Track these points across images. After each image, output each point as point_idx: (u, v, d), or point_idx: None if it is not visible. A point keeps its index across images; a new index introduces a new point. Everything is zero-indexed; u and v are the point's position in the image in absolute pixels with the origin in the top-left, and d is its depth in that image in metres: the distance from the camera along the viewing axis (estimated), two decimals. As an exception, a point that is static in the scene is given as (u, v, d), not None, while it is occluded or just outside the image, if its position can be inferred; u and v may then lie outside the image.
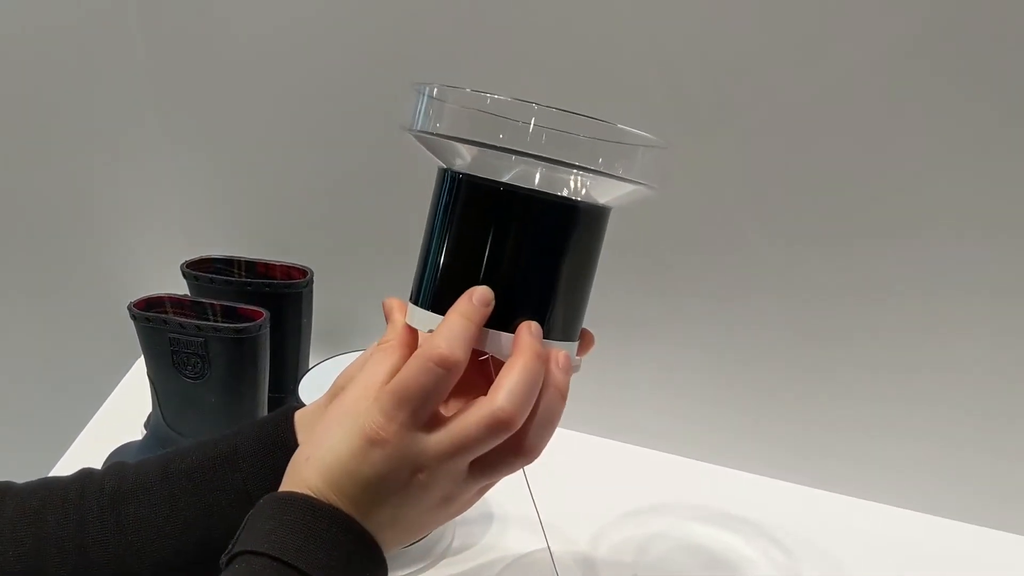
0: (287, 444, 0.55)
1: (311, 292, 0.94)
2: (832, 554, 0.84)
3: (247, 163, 0.97)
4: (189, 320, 0.84)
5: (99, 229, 1.07)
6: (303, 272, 0.93)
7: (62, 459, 0.98)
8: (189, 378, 0.85)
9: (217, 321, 0.85)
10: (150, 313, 0.85)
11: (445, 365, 0.47)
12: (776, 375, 0.88)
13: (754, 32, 0.73)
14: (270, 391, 0.89)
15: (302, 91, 0.88)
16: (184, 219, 1.03)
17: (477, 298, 0.49)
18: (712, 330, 0.88)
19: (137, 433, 0.96)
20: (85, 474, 0.57)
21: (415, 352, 0.48)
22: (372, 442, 0.48)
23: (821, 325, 0.83)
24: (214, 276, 0.91)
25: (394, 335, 0.52)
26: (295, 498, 0.48)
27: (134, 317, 0.85)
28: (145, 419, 0.95)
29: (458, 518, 0.86)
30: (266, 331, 0.86)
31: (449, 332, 0.48)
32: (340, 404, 0.50)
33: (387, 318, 0.53)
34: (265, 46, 0.87)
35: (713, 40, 0.74)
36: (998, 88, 0.69)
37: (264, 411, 0.89)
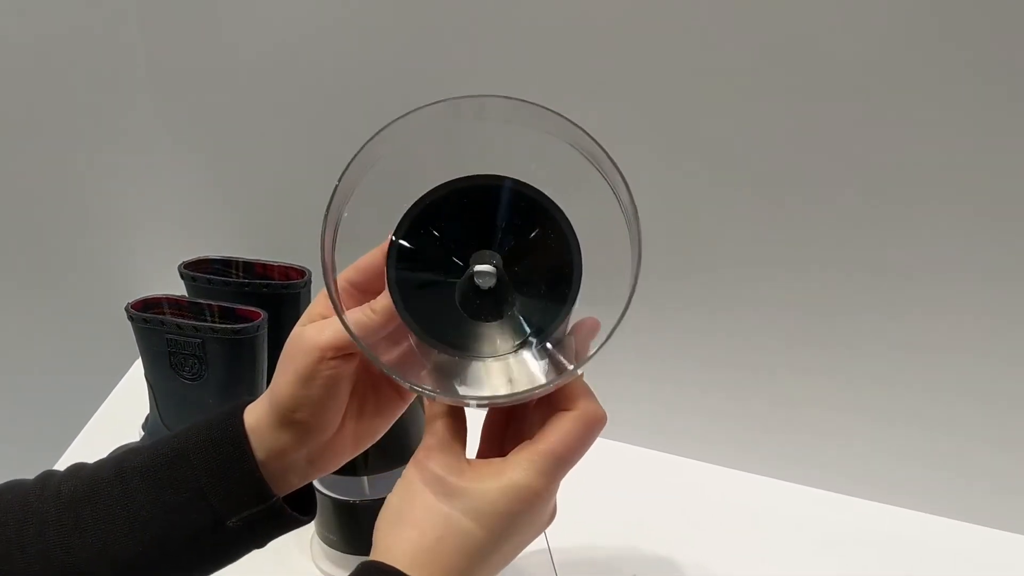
0: (237, 439, 0.55)
1: (309, 292, 0.93)
2: (833, 553, 0.84)
3: (245, 164, 0.96)
4: (186, 321, 0.84)
5: (97, 230, 1.07)
6: (301, 272, 0.92)
7: (59, 461, 0.97)
8: (187, 379, 0.85)
9: (215, 322, 0.85)
10: (147, 314, 0.84)
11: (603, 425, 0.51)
12: (775, 374, 0.88)
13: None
14: (268, 392, 0.89)
15: (300, 90, 0.88)
16: (182, 220, 1.03)
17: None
18: (708, 327, 0.88)
19: (135, 435, 0.96)
20: (45, 476, 0.57)
21: (586, 418, 0.50)
22: (532, 506, 0.49)
23: (819, 328, 0.83)
24: (212, 277, 0.90)
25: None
26: None
27: (131, 318, 0.85)
28: (143, 420, 0.95)
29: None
30: (264, 332, 0.85)
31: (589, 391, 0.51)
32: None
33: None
34: (263, 48, 0.87)
35: (706, 31, 0.74)
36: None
37: (262, 412, 0.89)
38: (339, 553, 0.82)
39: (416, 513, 0.49)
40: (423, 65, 0.82)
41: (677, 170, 0.80)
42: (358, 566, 0.49)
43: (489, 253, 0.50)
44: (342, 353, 0.54)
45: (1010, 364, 0.79)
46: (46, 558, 0.53)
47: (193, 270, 0.91)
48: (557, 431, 0.50)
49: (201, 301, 0.86)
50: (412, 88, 0.83)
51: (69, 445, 1.00)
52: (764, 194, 0.78)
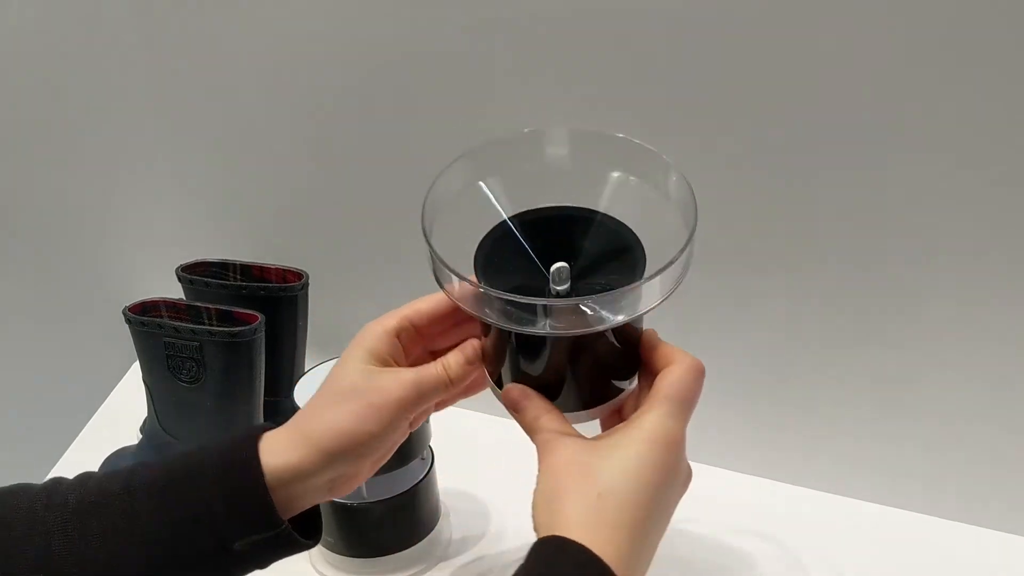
0: (249, 465, 0.54)
1: (307, 295, 0.93)
2: (832, 557, 0.84)
3: (242, 167, 0.96)
4: (184, 324, 0.83)
5: (94, 234, 1.07)
6: (298, 275, 0.92)
7: (57, 464, 0.97)
8: (184, 382, 0.85)
9: (212, 325, 0.84)
10: (145, 317, 0.84)
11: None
12: (773, 374, 0.88)
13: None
14: (266, 395, 0.89)
15: (298, 94, 0.88)
16: (179, 223, 1.03)
17: None
18: (707, 329, 0.88)
19: (133, 438, 0.96)
20: (54, 483, 0.56)
21: (691, 365, 0.54)
22: (671, 448, 0.51)
23: (818, 327, 0.83)
24: (209, 280, 0.90)
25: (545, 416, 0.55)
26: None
27: (129, 321, 0.85)
28: (141, 423, 0.95)
29: (454, 519, 0.86)
30: (261, 334, 0.85)
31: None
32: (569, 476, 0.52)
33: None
34: (262, 50, 0.86)
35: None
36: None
37: (260, 415, 0.89)
38: (338, 556, 0.82)
39: (569, 492, 0.50)
40: (424, 68, 0.82)
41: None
42: (533, 545, 0.49)
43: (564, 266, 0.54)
44: (422, 407, 0.56)
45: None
46: (49, 564, 0.53)
47: (190, 273, 0.91)
48: (671, 381, 0.53)
49: (199, 304, 0.86)
50: (411, 88, 0.83)
51: (67, 448, 1.00)
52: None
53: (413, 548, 0.82)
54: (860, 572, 0.83)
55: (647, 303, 0.52)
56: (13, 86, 0.98)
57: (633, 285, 0.51)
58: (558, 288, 0.54)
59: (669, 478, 0.52)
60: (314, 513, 0.59)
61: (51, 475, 0.94)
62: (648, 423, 0.52)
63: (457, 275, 0.52)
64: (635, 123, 0.66)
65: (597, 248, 0.56)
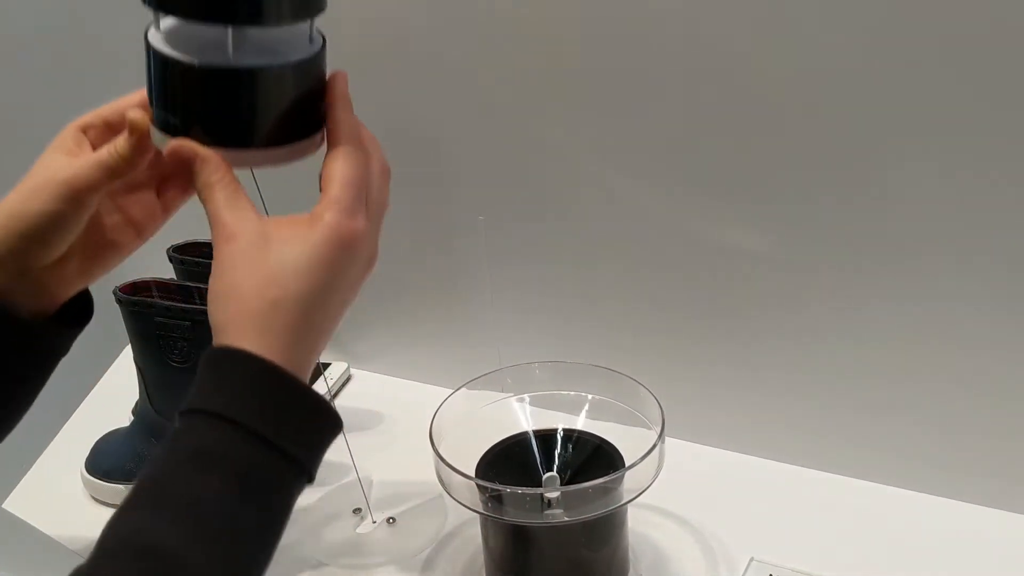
0: None
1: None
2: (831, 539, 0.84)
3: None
4: (176, 304, 0.83)
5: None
6: (291, 255, 0.91)
7: (49, 447, 0.97)
8: (176, 363, 0.84)
9: (204, 305, 0.84)
10: (136, 297, 0.84)
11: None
12: (772, 359, 0.87)
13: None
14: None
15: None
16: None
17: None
18: (694, 309, 0.87)
19: (125, 420, 0.95)
20: None
21: (349, 145, 0.54)
22: (346, 246, 0.52)
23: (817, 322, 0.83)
24: (200, 260, 0.90)
25: (222, 171, 0.54)
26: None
27: (120, 301, 0.84)
28: (132, 406, 0.94)
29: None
30: (254, 315, 0.84)
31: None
32: (258, 243, 0.52)
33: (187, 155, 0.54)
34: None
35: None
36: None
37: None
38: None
39: (245, 296, 0.51)
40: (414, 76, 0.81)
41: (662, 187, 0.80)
42: (203, 356, 0.52)
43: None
44: (86, 195, 0.57)
45: None
46: None
47: (182, 253, 0.90)
48: (336, 166, 0.53)
49: (190, 284, 0.85)
50: (411, 91, 0.82)
51: (59, 431, 0.99)
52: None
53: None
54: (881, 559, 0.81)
55: None
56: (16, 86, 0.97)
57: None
58: None
59: (346, 275, 0.53)
60: (82, 301, 0.63)
61: (42, 458, 0.95)
62: (325, 222, 0.52)
63: None
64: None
65: None
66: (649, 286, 0.88)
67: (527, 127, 0.85)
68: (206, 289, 0.84)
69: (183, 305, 0.83)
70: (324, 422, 0.52)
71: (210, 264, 0.88)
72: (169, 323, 0.82)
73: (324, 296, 0.52)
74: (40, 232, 0.57)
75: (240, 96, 0.54)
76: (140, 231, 0.65)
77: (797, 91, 0.74)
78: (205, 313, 0.82)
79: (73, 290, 0.63)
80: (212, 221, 0.54)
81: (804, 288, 0.82)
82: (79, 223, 0.59)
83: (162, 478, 0.48)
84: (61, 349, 0.64)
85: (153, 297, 0.84)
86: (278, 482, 0.49)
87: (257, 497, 0.48)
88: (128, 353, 0.96)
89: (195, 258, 0.90)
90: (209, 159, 0.54)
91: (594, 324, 0.92)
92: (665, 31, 0.75)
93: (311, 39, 0.57)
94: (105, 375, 1.06)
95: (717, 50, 0.74)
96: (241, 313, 0.51)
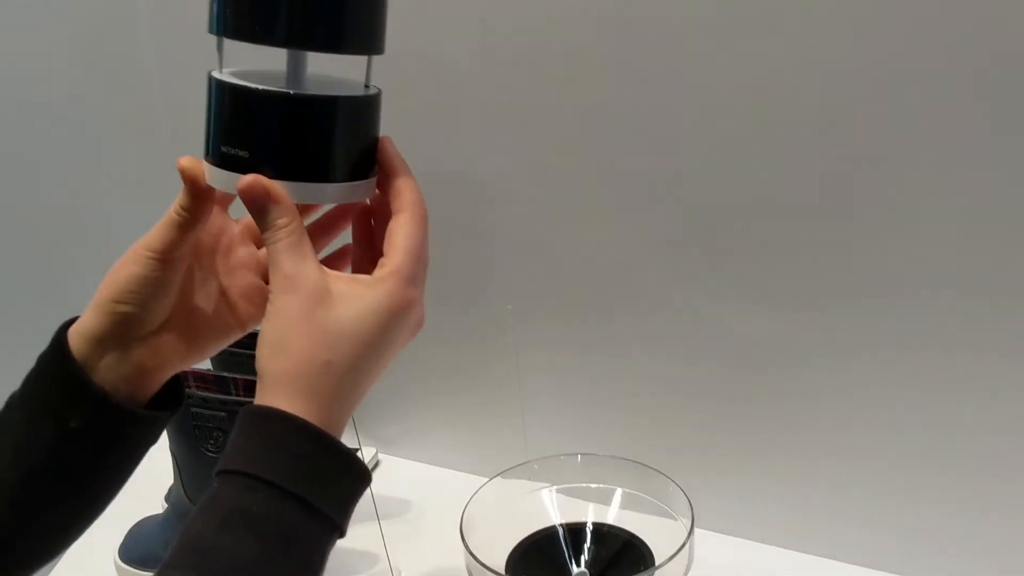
0: (58, 340, 0.58)
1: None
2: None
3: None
4: (212, 395, 0.84)
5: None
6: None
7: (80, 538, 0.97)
8: (211, 452, 0.85)
9: (240, 396, 0.85)
10: (173, 387, 0.85)
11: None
12: (767, 431, 0.87)
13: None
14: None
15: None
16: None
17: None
18: (725, 400, 0.87)
19: (158, 507, 0.96)
20: None
21: (414, 214, 0.55)
22: (402, 313, 0.53)
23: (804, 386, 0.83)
24: (235, 349, 0.91)
25: (291, 216, 0.54)
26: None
27: (157, 391, 0.85)
28: (166, 492, 0.95)
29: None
30: (287, 404, 0.85)
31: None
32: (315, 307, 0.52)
33: (263, 201, 0.54)
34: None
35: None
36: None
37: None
38: None
39: (297, 350, 0.52)
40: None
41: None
42: (246, 411, 0.52)
43: None
44: (167, 255, 0.58)
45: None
46: None
47: (218, 343, 0.92)
48: (403, 232, 0.54)
49: (226, 375, 0.86)
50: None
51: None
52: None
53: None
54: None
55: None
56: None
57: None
58: None
59: (395, 341, 0.54)
60: (173, 388, 0.63)
61: (75, 545, 0.95)
62: (387, 289, 0.53)
63: None
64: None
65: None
66: (677, 375, 0.88)
67: (561, 223, 0.87)
68: (242, 380, 0.86)
69: (220, 396, 0.84)
70: (357, 478, 0.53)
71: (245, 355, 0.91)
72: (205, 413, 0.84)
73: (373, 361, 0.53)
74: (130, 295, 0.58)
75: (325, 125, 0.55)
76: (241, 320, 0.66)
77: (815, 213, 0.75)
78: (241, 404, 0.83)
79: (169, 372, 0.63)
80: (273, 266, 0.54)
81: (835, 379, 0.82)
82: (166, 285, 0.59)
83: (204, 540, 0.48)
84: (152, 437, 0.64)
85: (190, 387, 0.86)
86: (316, 541, 0.50)
87: (298, 557, 0.49)
88: (162, 439, 0.97)
89: (230, 347, 0.91)
90: (281, 199, 0.54)
91: (622, 413, 0.93)
92: (691, 132, 0.77)
93: (367, 86, 0.58)
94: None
95: (737, 152, 0.76)
96: (290, 373, 0.52)
